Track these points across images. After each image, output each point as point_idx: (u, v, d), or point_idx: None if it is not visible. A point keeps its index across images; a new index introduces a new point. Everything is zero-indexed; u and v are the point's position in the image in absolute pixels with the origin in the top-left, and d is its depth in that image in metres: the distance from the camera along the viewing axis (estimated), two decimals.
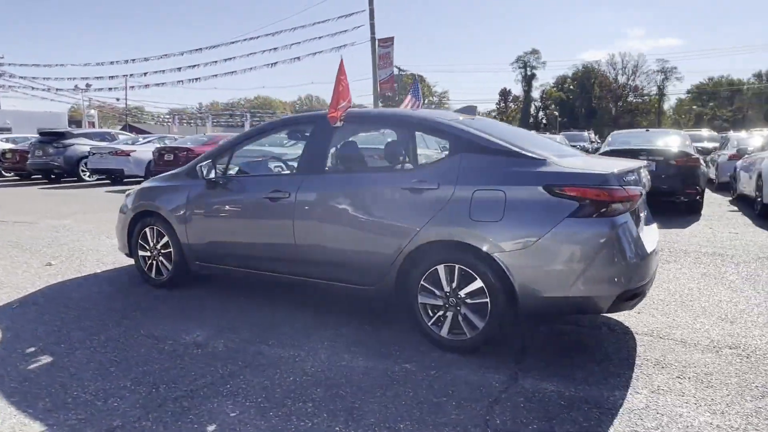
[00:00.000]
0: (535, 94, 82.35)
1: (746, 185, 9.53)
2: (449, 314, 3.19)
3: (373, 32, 21.95)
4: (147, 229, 4.60)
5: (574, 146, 16.58)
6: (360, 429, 2.40)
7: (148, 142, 15.31)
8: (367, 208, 3.45)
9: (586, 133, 29.16)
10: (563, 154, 3.40)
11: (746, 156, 10.40)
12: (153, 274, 4.61)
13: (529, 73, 79.08)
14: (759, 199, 8.37)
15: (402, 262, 3.30)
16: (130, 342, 3.43)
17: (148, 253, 4.63)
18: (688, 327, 3.64)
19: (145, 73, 29.97)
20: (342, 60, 3.74)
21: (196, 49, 26.76)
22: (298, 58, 25.81)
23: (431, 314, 3.26)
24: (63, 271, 5.18)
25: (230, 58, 26.04)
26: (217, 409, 2.58)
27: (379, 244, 3.39)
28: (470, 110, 4.01)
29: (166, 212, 4.41)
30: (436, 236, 3.17)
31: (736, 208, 9.48)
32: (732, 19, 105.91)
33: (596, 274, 2.85)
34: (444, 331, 3.21)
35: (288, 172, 4.58)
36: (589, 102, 78.81)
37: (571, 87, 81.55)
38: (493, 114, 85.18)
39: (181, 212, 4.32)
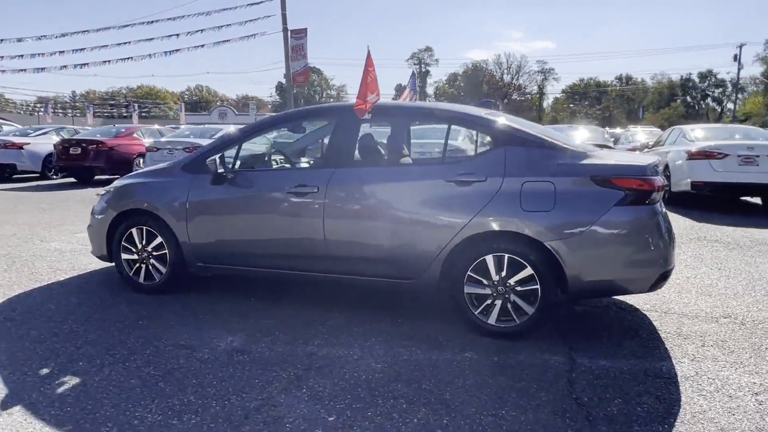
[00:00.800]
0: (429, 90, 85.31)
1: None
2: (498, 302, 3.30)
3: (285, 22, 21.35)
4: (134, 230, 4.17)
5: None
6: (467, 419, 2.43)
7: (43, 133, 13.61)
8: (409, 201, 3.44)
9: None
10: (591, 147, 3.65)
11: (646, 150, 11.76)
12: (141, 279, 4.20)
13: (423, 69, 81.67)
14: (667, 188, 9.51)
15: (448, 254, 3.35)
16: (161, 354, 3.12)
17: (135, 256, 4.20)
18: (678, 302, 4.10)
19: (20, 56, 26.30)
20: (369, 51, 3.67)
21: (82, 31, 23.87)
22: (202, 45, 24.26)
23: (477, 303, 3.35)
24: (16, 282, 4.52)
25: (123, 43, 23.67)
26: (312, 415, 2.46)
27: (423, 237, 3.40)
28: (487, 105, 4.13)
29: (162, 210, 4.04)
30: (486, 227, 3.25)
31: None
32: (600, 26, 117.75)
33: (641, 257, 3.13)
34: (492, 319, 3.32)
35: (306, 165, 4.39)
36: (479, 99, 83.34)
37: (462, 84, 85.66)
38: None
39: (181, 210, 3.98)
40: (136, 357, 3.07)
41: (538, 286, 3.21)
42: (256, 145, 4.61)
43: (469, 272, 3.33)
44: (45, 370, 2.91)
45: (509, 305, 3.28)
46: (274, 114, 4.23)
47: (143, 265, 4.19)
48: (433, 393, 2.67)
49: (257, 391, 2.68)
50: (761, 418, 2.47)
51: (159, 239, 4.09)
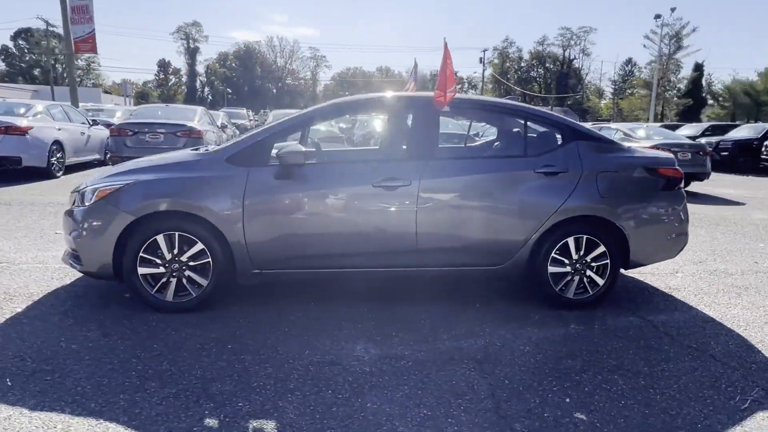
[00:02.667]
0: (200, 68, 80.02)
1: None
2: (576, 278, 3.77)
3: None
4: (160, 237, 3.37)
5: (234, 123, 17.93)
6: (637, 375, 2.86)
7: None
8: (501, 191, 3.63)
9: (244, 111, 30.77)
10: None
11: None
12: (169, 296, 3.44)
13: (192, 45, 75.96)
14: None
15: (537, 238, 3.67)
16: (309, 373, 2.74)
17: (161, 269, 3.41)
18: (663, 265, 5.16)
19: None
20: (446, 44, 3.67)
21: None
22: None
23: (559, 281, 3.76)
24: None
25: None
26: (556, 395, 2.57)
27: (514, 224, 3.65)
28: (513, 99, 4.47)
29: (207, 211, 3.37)
30: (571, 212, 3.67)
31: None
32: (362, 18, 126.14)
33: (678, 230, 3.94)
34: (571, 293, 3.78)
35: (380, 155, 4.04)
36: (253, 81, 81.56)
37: (234, 65, 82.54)
38: (151, 86, 78.88)
39: (236, 210, 3.39)
40: (296, 381, 2.64)
41: (608, 261, 3.78)
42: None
43: (553, 254, 3.72)
44: (196, 412, 2.31)
45: (585, 279, 3.79)
46: (338, 100, 3.80)
47: (172, 280, 3.43)
48: (594, 360, 3.02)
49: (466, 387, 2.64)
50: None
51: (199, 246, 3.40)
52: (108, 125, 13.66)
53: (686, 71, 50.66)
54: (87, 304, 3.60)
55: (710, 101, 52.05)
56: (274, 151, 3.54)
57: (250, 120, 28.94)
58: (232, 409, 2.40)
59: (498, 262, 3.71)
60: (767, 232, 6.88)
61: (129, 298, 3.71)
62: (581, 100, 66.54)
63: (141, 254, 3.37)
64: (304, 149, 3.34)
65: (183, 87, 79.58)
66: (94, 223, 3.38)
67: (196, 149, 4.08)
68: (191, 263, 3.44)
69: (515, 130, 4.08)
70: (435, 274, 3.74)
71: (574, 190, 3.67)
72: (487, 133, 4.31)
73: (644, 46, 64.38)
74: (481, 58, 51.47)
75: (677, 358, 3.10)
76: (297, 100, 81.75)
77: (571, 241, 3.71)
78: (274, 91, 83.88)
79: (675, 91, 52.61)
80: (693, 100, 48.09)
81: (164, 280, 3.44)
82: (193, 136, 9.67)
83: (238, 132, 15.19)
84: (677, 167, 3.95)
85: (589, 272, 3.78)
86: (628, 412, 2.50)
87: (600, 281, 3.79)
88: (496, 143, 4.24)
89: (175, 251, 3.41)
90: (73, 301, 3.64)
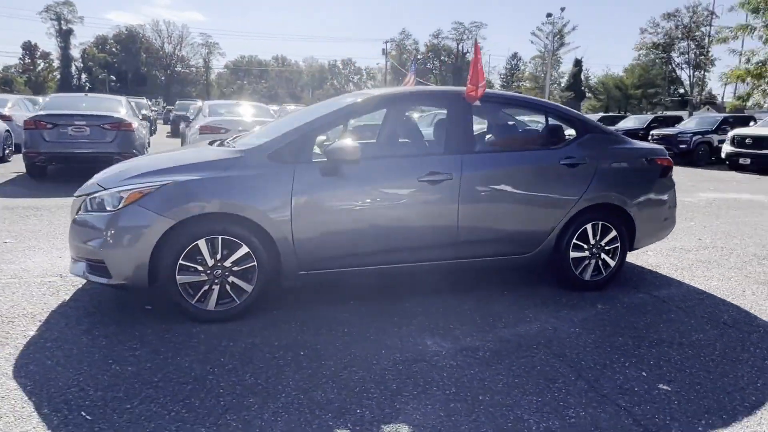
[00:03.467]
0: (75, 53, 72.45)
1: None
2: (592, 262, 4.06)
3: None
4: (201, 242, 3.10)
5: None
6: (657, 345, 3.19)
7: None
8: (532, 183, 3.81)
9: (144, 100, 28.65)
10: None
11: (190, 123, 11.40)
12: (211, 305, 3.19)
13: (64, 27, 68.47)
14: None
15: (563, 226, 3.90)
16: (402, 373, 2.71)
17: (203, 277, 3.15)
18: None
19: None
20: (477, 42, 3.73)
21: None
22: None
23: (578, 265, 4.03)
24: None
25: None
26: (631, 371, 2.78)
27: (544, 213, 3.84)
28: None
29: (254, 211, 3.16)
30: (591, 201, 3.93)
31: None
32: (256, 5, 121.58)
33: (670, 214, 4.37)
34: (588, 275, 4.06)
35: (419, 151, 3.93)
36: (137, 68, 75.54)
37: (115, 50, 75.83)
38: (14, 71, 70.23)
39: (284, 209, 3.22)
40: (395, 382, 2.60)
41: (618, 244, 4.11)
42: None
43: (574, 240, 3.97)
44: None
45: (599, 262, 4.09)
46: (372, 94, 3.66)
47: (215, 287, 3.18)
48: (639, 336, 3.30)
49: (571, 367, 2.77)
50: None
51: (243, 250, 3.19)
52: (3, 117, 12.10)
53: (567, 66, 55.37)
54: (109, 320, 3.22)
55: (588, 94, 57.25)
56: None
57: (153, 111, 26.65)
58: (354, 417, 2.32)
59: (527, 250, 3.89)
60: (687, 211, 7.79)
61: (151, 310, 3.39)
62: None
63: (180, 261, 3.09)
64: (358, 144, 3.24)
65: (55, 73, 71.61)
66: (126, 230, 3.03)
67: (221, 145, 3.82)
68: (235, 268, 3.21)
69: (539, 123, 4.28)
70: (470, 266, 3.82)
71: (592, 180, 3.94)
72: (489, 128, 4.44)
73: (531, 42, 69.07)
74: (383, 50, 52.10)
75: (700, 328, 3.47)
76: (188, 89, 77.19)
77: (589, 227, 3.99)
78: (163, 78, 78.41)
79: (557, 85, 57.18)
80: (574, 93, 52.63)
81: (205, 288, 3.18)
82: (122, 129, 8.78)
83: (147, 125, 14.05)
84: (668, 157, 4.38)
85: (603, 255, 4.09)
86: (697, 380, 2.78)
87: (612, 263, 4.12)
88: (523, 136, 4.41)
89: (218, 256, 3.16)
90: (90, 318, 3.24)
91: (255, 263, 3.23)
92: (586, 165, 3.94)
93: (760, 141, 13.76)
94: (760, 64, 20.18)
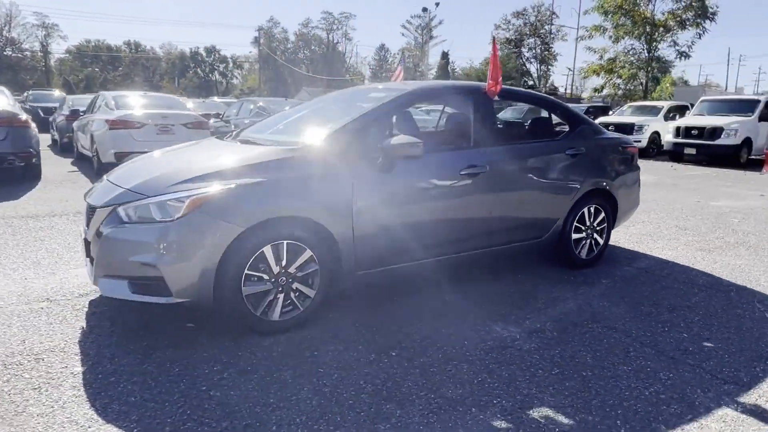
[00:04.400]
0: None
1: (84, 145, 9.85)
2: (588, 241, 4.49)
3: None
4: (267, 249, 2.88)
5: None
6: (666, 310, 3.71)
7: None
8: (548, 171, 4.09)
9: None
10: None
11: (81, 116, 10.69)
12: (276, 315, 2.99)
13: None
14: (95, 157, 8.82)
15: (569, 210, 4.25)
16: (497, 359, 2.81)
17: (269, 286, 2.93)
18: None
19: None
20: (495, 39, 3.86)
21: None
22: None
23: (578, 245, 4.42)
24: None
25: None
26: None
27: (556, 200, 4.16)
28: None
29: (320, 213, 3.01)
30: (590, 186, 4.33)
31: (77, 168, 9.77)
32: None
33: (637, 195, 4.96)
34: (584, 254, 4.49)
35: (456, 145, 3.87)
36: None
37: None
38: None
39: (347, 210, 3.11)
40: (507, 370, 2.69)
41: (606, 225, 4.59)
42: None
43: (575, 223, 4.35)
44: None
45: (592, 241, 4.53)
46: (408, 89, 3.55)
47: (280, 296, 2.99)
48: (657, 303, 3.76)
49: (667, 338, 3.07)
50: None
51: (307, 254, 3.02)
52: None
53: (434, 59, 58.21)
54: (158, 343, 2.86)
55: None
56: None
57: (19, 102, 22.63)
58: (495, 409, 2.38)
59: (540, 235, 4.18)
60: None
61: (193, 327, 3.08)
62: (348, 83, 70.57)
63: (246, 271, 2.84)
64: (420, 140, 3.22)
65: None
66: (189, 241, 2.70)
67: (233, 140, 3.53)
68: (298, 274, 3.03)
69: (544, 117, 4.57)
70: (501, 253, 4.00)
71: (591, 168, 4.34)
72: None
73: (402, 34, 71.39)
74: (256, 37, 50.15)
75: (692, 292, 4.03)
76: (22, 76, 67.33)
77: (585, 211, 4.40)
78: None
79: (425, 77, 59.95)
80: None
81: (270, 298, 2.96)
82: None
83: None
84: (634, 145, 4.97)
85: (595, 235, 4.53)
86: (736, 338, 3.21)
87: (601, 241, 4.59)
88: (533, 129, 4.66)
89: (283, 262, 2.97)
90: (134, 344, 2.84)
91: (317, 267, 3.08)
92: (583, 155, 4.33)
93: (703, 131, 14.18)
94: (611, 60, 23.06)
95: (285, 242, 2.95)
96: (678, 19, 20.50)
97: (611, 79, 23.34)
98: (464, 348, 2.95)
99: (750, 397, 2.56)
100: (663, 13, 21.10)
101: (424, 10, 42.29)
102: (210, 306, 2.83)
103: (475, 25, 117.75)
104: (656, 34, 21.36)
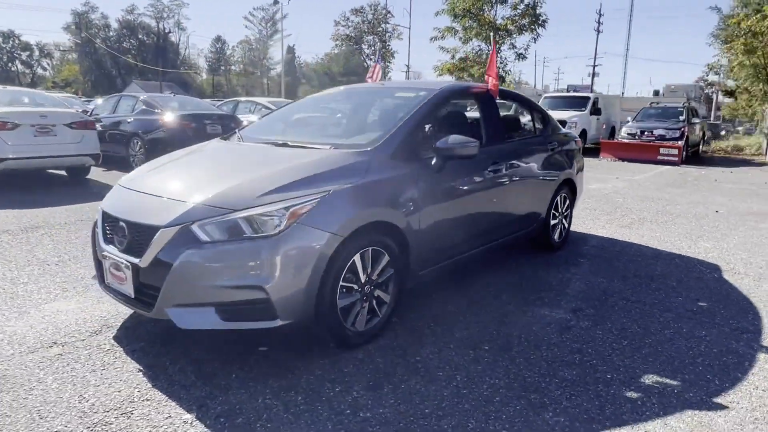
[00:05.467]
0: None
1: None
2: (560, 226, 4.99)
3: None
4: (357, 257, 2.73)
5: None
6: (654, 283, 4.39)
7: None
8: (542, 165, 4.46)
9: None
10: None
11: None
12: (361, 325, 2.86)
13: None
14: None
15: (551, 199, 4.68)
16: (572, 343, 3.06)
17: (356, 296, 2.78)
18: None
19: None
20: (495, 40, 4.05)
21: None
22: None
23: (554, 230, 4.89)
24: None
25: None
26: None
27: (544, 191, 4.56)
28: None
29: (400, 217, 2.95)
30: (565, 176, 4.82)
31: None
32: None
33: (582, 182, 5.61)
34: (557, 237, 4.97)
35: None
36: None
37: None
38: None
39: (415, 212, 3.07)
40: (582, 357, 2.93)
41: (570, 210, 5.14)
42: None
43: (552, 210, 4.81)
44: None
45: (561, 226, 5.04)
46: (435, 89, 3.45)
47: (365, 305, 2.86)
48: (645, 278, 4.35)
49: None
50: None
51: (385, 259, 2.93)
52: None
53: (277, 52, 57.13)
54: (256, 374, 2.55)
55: (303, 80, 60.60)
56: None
57: None
58: (597, 389, 2.61)
59: (531, 225, 4.54)
60: None
61: (266, 351, 2.80)
62: (185, 76, 65.82)
63: (341, 282, 2.67)
64: (476, 140, 3.28)
65: None
66: (294, 256, 2.45)
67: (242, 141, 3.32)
68: (379, 280, 2.93)
69: (527, 114, 4.89)
70: (504, 244, 4.26)
71: (563, 160, 4.84)
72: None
73: (246, 26, 68.33)
74: (70, 23, 43.96)
75: (651, 263, 4.72)
76: None
77: (559, 198, 4.89)
78: None
79: (273, 71, 58.76)
80: (290, 79, 54.99)
81: (358, 308, 2.82)
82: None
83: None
84: (579, 138, 5.63)
85: (563, 220, 5.06)
86: (714, 296, 3.89)
87: (567, 225, 5.14)
88: (524, 125, 4.93)
89: (369, 270, 2.84)
90: (235, 375, 2.49)
91: (392, 271, 3.01)
92: (558, 149, 4.80)
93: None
94: (462, 59, 25.01)
95: (370, 249, 2.83)
96: (516, 24, 23.02)
97: (463, 77, 25.29)
98: (538, 334, 3.14)
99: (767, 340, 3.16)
100: (503, 19, 23.52)
101: (275, 2, 41.12)
102: (310, 324, 2.61)
103: (317, 20, 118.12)
104: (498, 37, 23.71)
